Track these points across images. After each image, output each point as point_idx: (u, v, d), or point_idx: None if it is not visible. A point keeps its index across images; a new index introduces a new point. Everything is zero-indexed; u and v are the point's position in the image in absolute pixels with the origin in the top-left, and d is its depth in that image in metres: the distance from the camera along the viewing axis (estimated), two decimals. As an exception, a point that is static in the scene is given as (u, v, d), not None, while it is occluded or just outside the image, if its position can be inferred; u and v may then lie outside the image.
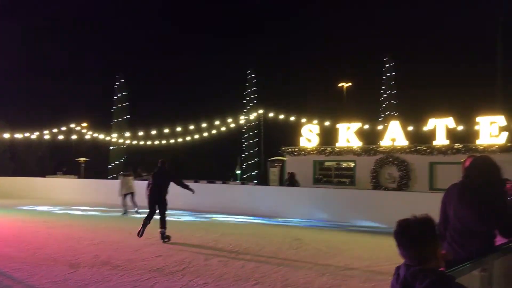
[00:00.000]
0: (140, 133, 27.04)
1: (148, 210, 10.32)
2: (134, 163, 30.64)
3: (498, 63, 25.79)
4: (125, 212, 15.31)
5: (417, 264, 2.25)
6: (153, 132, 26.23)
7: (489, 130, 15.26)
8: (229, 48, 50.97)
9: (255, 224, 13.46)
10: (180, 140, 26.40)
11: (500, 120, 15.28)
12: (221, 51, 48.52)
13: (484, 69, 32.85)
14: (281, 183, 19.28)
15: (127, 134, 29.96)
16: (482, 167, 3.74)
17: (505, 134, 15.14)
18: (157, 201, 10.23)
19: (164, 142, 26.65)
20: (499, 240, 3.81)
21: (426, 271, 2.22)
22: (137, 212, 15.05)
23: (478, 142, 15.43)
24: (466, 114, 17.23)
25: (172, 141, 26.53)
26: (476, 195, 3.63)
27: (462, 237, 3.68)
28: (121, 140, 31.40)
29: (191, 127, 25.44)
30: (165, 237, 10.04)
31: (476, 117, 15.75)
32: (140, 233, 10.03)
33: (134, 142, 28.51)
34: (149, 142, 27.19)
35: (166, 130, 25.88)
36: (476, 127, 15.68)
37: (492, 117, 15.50)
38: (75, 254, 8.50)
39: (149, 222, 10.14)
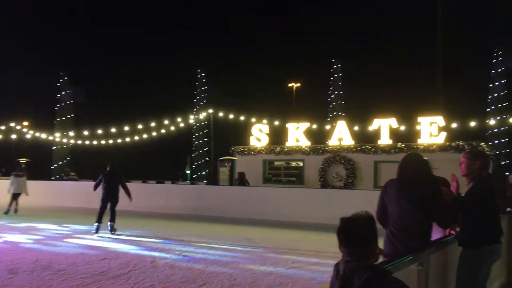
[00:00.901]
0: (85, 133, 26.12)
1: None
2: (76, 163, 29.74)
3: (437, 65, 26.99)
4: (7, 212, 15.20)
5: (357, 260, 2.31)
6: (99, 131, 25.43)
7: (429, 130, 15.95)
8: (178, 47, 50.43)
9: (204, 224, 13.37)
10: (128, 139, 25.76)
11: (440, 120, 16.02)
12: (170, 49, 47.87)
13: (425, 71, 34.37)
14: (231, 182, 19.27)
15: (71, 133, 28.85)
16: (414, 164, 3.93)
17: (444, 134, 15.89)
18: (110, 200, 11.34)
19: (111, 141, 25.90)
20: (435, 235, 4.00)
21: (365, 266, 2.28)
22: (14, 212, 15.24)
23: (419, 141, 16.10)
24: (408, 114, 17.96)
25: (119, 140, 25.84)
26: (413, 192, 3.78)
27: (401, 233, 3.81)
28: (65, 140, 30.21)
29: (139, 126, 24.90)
30: (113, 229, 11.12)
31: (417, 118, 16.42)
32: (97, 231, 11.08)
33: (79, 142, 27.53)
34: (95, 142, 26.34)
35: (113, 130, 25.17)
36: (418, 127, 16.35)
37: (432, 117, 16.23)
38: (14, 259, 8.10)
39: (101, 221, 11.19)
